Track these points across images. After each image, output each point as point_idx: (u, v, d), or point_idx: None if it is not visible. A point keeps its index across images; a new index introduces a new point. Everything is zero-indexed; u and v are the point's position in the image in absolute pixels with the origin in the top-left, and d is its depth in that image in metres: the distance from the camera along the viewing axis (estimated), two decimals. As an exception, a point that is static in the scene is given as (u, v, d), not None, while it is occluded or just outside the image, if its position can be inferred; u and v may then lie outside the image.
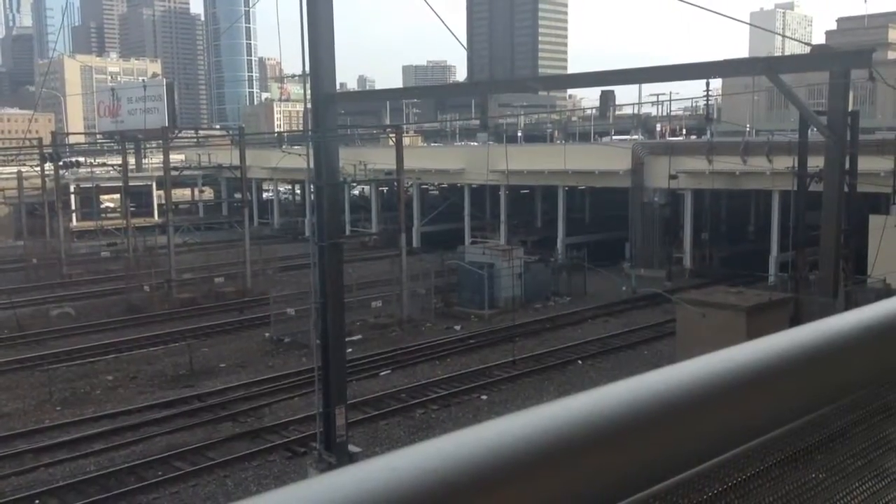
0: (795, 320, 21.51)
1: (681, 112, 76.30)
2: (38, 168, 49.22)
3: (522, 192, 53.64)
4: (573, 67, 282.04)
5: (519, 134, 76.78)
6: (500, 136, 71.32)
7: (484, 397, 22.57)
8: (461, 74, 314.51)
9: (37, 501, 16.24)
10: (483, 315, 31.52)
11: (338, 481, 0.80)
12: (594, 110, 79.34)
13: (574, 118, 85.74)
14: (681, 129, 69.76)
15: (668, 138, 58.85)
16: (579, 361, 25.86)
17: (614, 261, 40.86)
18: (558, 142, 65.47)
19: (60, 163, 46.54)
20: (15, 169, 54.88)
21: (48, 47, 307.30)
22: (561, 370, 25.02)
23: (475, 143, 68.41)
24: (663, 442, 1.00)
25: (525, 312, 32.17)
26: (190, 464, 17.98)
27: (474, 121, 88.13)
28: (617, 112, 77.42)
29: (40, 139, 54.13)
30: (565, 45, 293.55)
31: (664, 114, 72.56)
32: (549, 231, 47.36)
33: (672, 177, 38.98)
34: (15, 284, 39.16)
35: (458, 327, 30.40)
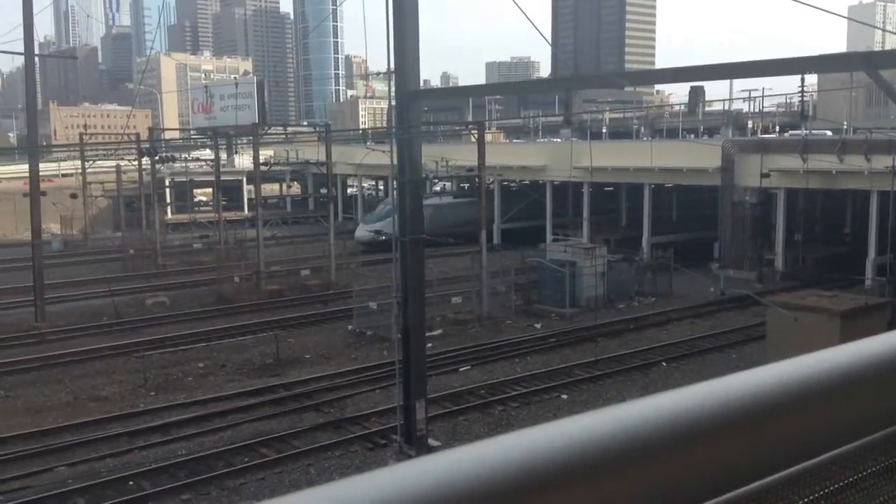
0: (893, 325, 20.57)
1: (774, 109, 73.74)
2: (136, 162, 51.36)
3: (607, 189, 52.90)
4: (661, 62, 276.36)
5: (604, 130, 75.71)
6: (584, 133, 70.52)
7: (564, 396, 22.40)
8: (545, 70, 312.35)
9: (131, 483, 16.89)
10: (564, 314, 31.26)
11: (428, 466, 0.83)
12: (683, 106, 77.65)
13: (662, 114, 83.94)
14: (774, 127, 67.44)
15: (760, 135, 57.00)
16: (664, 363, 25.36)
17: (702, 261, 39.87)
18: (645, 138, 64.26)
19: (156, 157, 48.46)
20: (114, 163, 57.43)
21: (145, 46, 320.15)
22: (644, 372, 24.59)
23: (558, 140, 67.80)
24: (752, 443, 0.99)
25: (607, 312, 31.74)
26: (275, 451, 18.44)
27: (558, 117, 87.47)
28: (707, 108, 75.50)
29: (138, 135, 56.40)
30: (653, 38, 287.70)
31: (756, 110, 70.28)
32: (634, 230, 46.55)
33: (764, 175, 37.77)
34: (113, 274, 41.01)
35: (538, 325, 30.24)
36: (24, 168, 40.27)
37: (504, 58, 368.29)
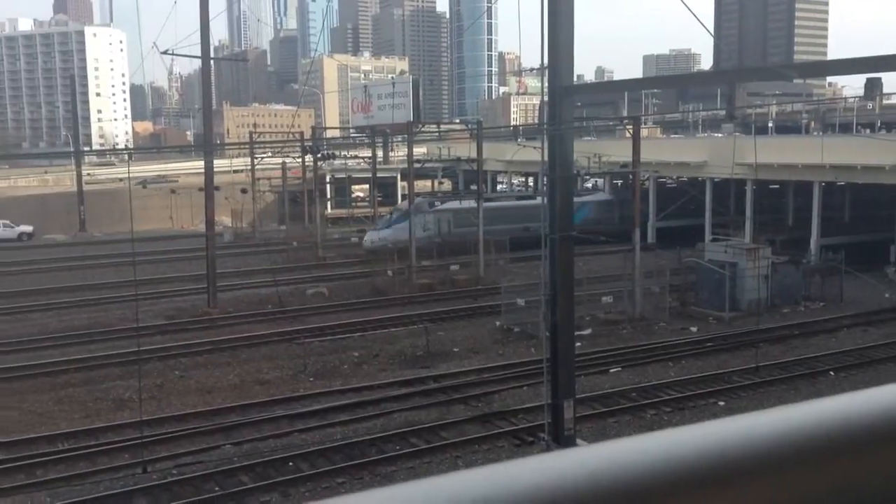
0: None
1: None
2: (300, 159, 53.98)
3: (772, 187, 50.24)
4: (834, 52, 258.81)
5: (769, 125, 71.91)
6: (748, 127, 67.31)
7: (721, 403, 21.49)
8: (706, 63, 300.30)
9: (290, 463, 17.76)
10: (722, 317, 29.96)
11: (585, 456, 0.83)
12: (858, 99, 72.42)
13: (834, 108, 78.65)
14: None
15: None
16: (831, 373, 23.79)
17: (877, 265, 37.10)
18: (815, 133, 60.49)
19: (318, 155, 50.73)
20: (280, 160, 60.63)
21: (310, 48, 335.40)
22: (810, 381, 23.17)
23: (719, 135, 65.07)
24: None
25: (770, 317, 30.14)
26: (425, 441, 18.82)
27: (719, 111, 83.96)
28: (885, 101, 70.07)
29: (302, 133, 59.29)
30: (826, 27, 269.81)
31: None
32: (802, 230, 43.89)
33: (951, 173, 34.63)
34: (278, 265, 43.31)
35: (694, 329, 29.17)
36: (200, 164, 43.27)
37: (663, 50, 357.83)
